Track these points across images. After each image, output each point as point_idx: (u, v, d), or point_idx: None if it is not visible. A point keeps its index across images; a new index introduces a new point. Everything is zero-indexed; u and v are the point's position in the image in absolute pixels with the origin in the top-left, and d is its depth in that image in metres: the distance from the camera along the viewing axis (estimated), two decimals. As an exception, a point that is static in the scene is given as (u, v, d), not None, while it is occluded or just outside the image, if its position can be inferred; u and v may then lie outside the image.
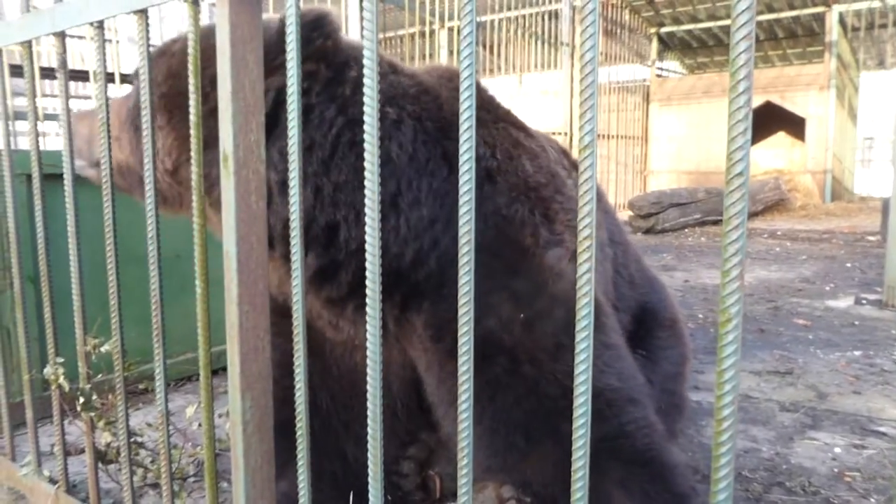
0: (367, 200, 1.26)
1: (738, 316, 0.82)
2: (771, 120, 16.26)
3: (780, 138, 17.60)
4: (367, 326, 1.29)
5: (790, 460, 2.61)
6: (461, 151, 1.10)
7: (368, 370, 1.30)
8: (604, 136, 15.21)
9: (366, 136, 1.24)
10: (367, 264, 1.26)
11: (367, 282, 1.26)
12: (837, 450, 2.70)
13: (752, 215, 13.27)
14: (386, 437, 1.46)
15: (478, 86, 1.65)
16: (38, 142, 2.07)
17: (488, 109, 2.01)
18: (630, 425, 1.75)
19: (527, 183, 1.90)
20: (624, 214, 11.79)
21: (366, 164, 1.25)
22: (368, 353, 1.29)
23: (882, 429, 2.90)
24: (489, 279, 1.67)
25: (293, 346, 1.43)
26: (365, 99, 1.24)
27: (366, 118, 1.24)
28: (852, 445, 2.74)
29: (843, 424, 2.97)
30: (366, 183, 1.25)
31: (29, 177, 2.54)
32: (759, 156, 17.32)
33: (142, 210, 1.75)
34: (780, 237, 10.53)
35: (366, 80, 1.23)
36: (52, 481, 2.24)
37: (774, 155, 17.46)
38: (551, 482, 1.72)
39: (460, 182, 1.10)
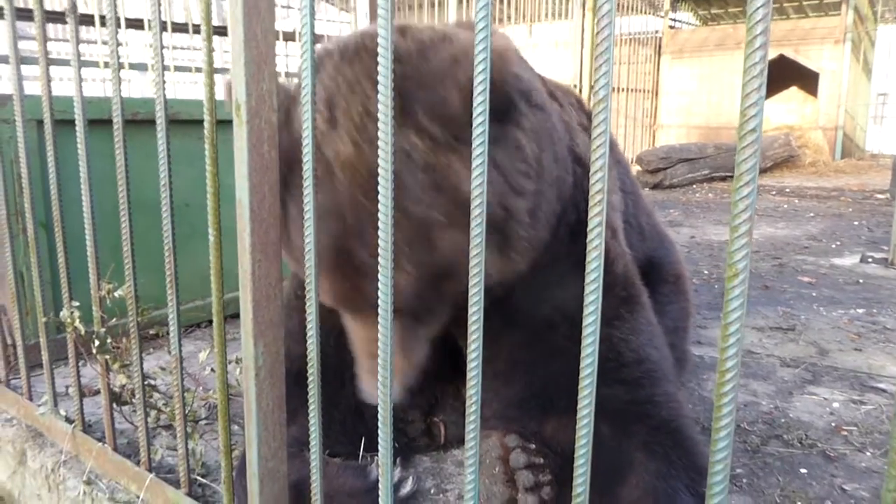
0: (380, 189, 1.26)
1: (746, 271, 0.83)
2: (784, 74, 15.97)
3: (793, 93, 17.33)
4: (379, 286, 1.31)
5: (789, 414, 2.65)
6: (475, 115, 1.10)
7: (380, 327, 1.32)
8: (614, 90, 14.98)
9: (380, 133, 1.24)
10: (380, 233, 1.27)
11: (380, 249, 1.28)
12: (836, 405, 2.74)
13: (761, 172, 13.15)
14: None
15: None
16: (49, 87, 2.07)
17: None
18: (661, 396, 1.85)
19: (577, 156, 1.94)
20: (633, 169, 11.71)
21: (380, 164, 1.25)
22: (380, 311, 1.31)
23: (881, 385, 2.94)
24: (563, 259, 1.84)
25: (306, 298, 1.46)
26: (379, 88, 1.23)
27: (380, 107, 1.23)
28: (851, 401, 2.78)
29: (843, 380, 3.01)
30: (380, 180, 1.25)
31: (40, 122, 2.55)
32: (770, 111, 17.06)
33: (150, 157, 1.76)
34: (789, 194, 10.47)
35: (380, 68, 1.22)
36: (69, 420, 2.30)
37: (786, 110, 17.21)
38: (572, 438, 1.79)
39: (474, 156, 1.11)
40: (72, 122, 1.99)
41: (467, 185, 1.53)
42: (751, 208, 0.85)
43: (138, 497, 2.00)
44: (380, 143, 1.21)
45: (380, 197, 1.22)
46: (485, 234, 1.15)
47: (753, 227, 0.84)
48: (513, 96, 1.60)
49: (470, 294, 1.15)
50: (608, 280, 1.91)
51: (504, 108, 1.57)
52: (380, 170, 1.21)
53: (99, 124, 2.65)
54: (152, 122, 1.78)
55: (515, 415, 1.92)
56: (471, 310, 1.16)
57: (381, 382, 1.31)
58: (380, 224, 1.23)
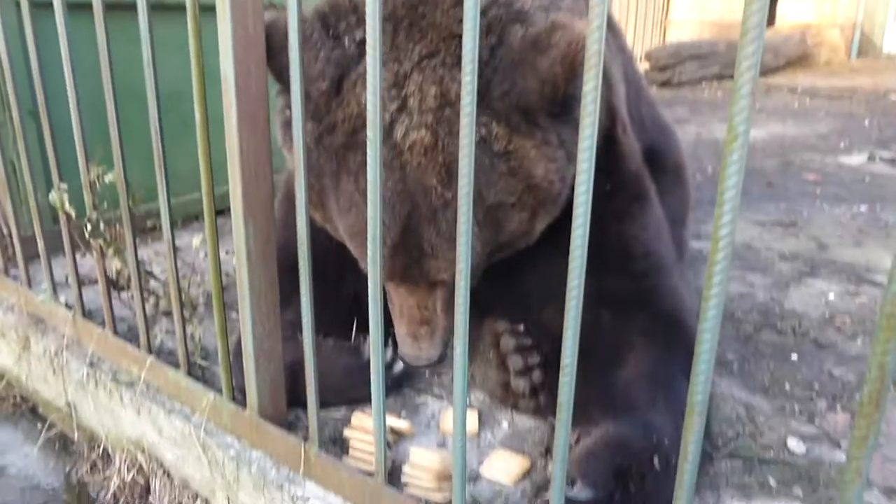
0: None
1: (745, 135, 0.80)
2: (804, -33, 15.24)
3: (812, -12, 16.59)
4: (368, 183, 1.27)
5: (784, 305, 2.67)
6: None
7: (368, 214, 1.30)
8: (625, -18, 14.36)
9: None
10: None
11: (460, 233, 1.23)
12: (831, 296, 2.76)
13: (774, 70, 12.79)
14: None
15: None
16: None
17: None
18: (665, 287, 1.88)
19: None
20: (641, 66, 11.38)
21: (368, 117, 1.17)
22: (368, 195, 1.28)
23: (878, 278, 2.95)
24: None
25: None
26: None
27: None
28: (846, 292, 2.80)
29: (840, 273, 3.02)
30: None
31: (18, 4, 2.43)
32: (786, 8, 16.39)
33: (138, 44, 1.69)
34: (800, 93, 10.20)
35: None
36: (69, 307, 2.33)
37: (803, 7, 16.53)
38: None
39: (464, 71, 1.04)
40: (51, 5, 1.89)
41: (539, 168, 1.55)
42: (755, 64, 0.80)
43: (140, 378, 2.05)
44: (462, 132, 1.15)
45: (460, 187, 1.17)
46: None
47: (756, 86, 0.80)
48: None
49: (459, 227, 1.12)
50: (621, 179, 1.91)
51: (575, 95, 1.52)
52: (461, 158, 1.15)
53: (84, 8, 2.54)
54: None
55: (519, 305, 1.94)
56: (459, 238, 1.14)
57: (370, 259, 1.30)
58: (460, 214, 1.19)
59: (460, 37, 1.46)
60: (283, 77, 1.56)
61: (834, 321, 2.53)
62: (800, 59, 13.44)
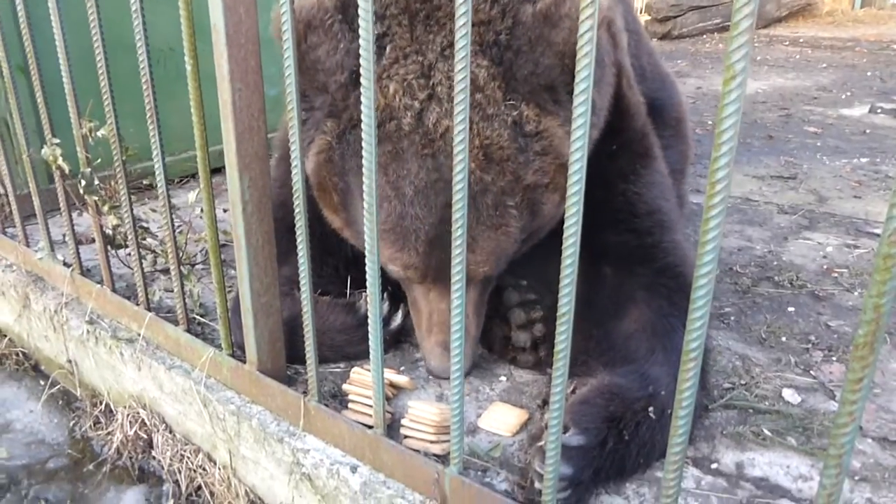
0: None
1: (744, 73, 0.78)
2: (809, -87, 14.86)
3: (817, -65, 16.20)
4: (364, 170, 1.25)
5: (782, 258, 2.67)
6: None
7: (365, 194, 1.28)
8: (625, -69, 13.97)
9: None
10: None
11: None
12: (829, 249, 2.76)
13: (775, 21, 12.57)
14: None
15: None
16: None
17: None
18: (668, 243, 1.87)
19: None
20: (641, 18, 11.17)
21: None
22: (364, 181, 1.26)
23: (876, 230, 2.95)
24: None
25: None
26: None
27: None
28: (845, 245, 2.79)
29: (839, 226, 3.01)
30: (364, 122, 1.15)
31: (2, -47, 2.37)
32: (791, -44, 16.04)
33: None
34: (802, 44, 10.05)
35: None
36: (67, 265, 2.33)
37: (808, -45, 16.18)
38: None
39: (457, 47, 1.01)
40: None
41: (566, 146, 1.49)
42: (752, 14, 0.78)
43: (139, 335, 2.05)
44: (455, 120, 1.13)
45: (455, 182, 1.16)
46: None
47: (752, 44, 0.78)
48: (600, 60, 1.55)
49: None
50: (628, 136, 1.89)
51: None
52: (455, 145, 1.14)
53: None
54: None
55: (523, 260, 1.94)
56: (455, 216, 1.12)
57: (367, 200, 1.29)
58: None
59: (479, 24, 1.44)
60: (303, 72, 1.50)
61: (831, 273, 2.53)
62: (802, 9, 13.19)
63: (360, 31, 1.18)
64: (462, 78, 1.07)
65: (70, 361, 2.36)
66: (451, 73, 1.45)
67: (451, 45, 1.46)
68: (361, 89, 1.21)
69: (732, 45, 0.76)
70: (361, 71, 1.20)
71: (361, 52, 1.19)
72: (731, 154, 0.80)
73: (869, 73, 7.46)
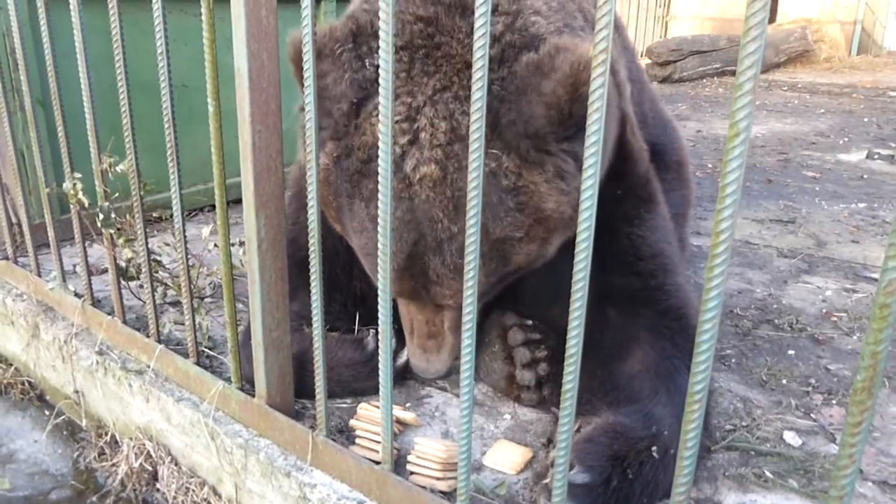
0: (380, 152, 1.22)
1: (747, 131, 0.83)
2: (806, -37, 15.24)
3: (814, -16, 16.58)
4: (380, 189, 1.30)
5: (781, 301, 2.71)
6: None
7: (379, 226, 1.33)
8: (626, -23, 14.32)
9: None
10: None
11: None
12: (829, 293, 2.80)
13: (774, 67, 12.81)
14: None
15: None
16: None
17: None
18: (671, 286, 1.90)
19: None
20: (642, 62, 11.38)
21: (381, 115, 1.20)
22: (380, 205, 1.31)
23: (875, 275, 2.99)
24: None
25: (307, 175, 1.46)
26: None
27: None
28: (843, 289, 2.84)
29: (838, 270, 3.06)
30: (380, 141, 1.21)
31: (31, -6, 2.46)
32: (788, 3, 16.40)
33: (145, 35, 1.71)
34: (800, 90, 10.23)
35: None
36: (78, 296, 2.36)
37: (805, 3, 16.53)
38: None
39: (474, 60, 1.07)
40: (63, -4, 1.92)
41: (549, 202, 1.53)
42: (757, 65, 0.83)
43: (149, 366, 2.08)
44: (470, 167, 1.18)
45: (468, 220, 1.20)
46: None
47: (755, 95, 0.83)
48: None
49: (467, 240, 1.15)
50: (631, 181, 1.94)
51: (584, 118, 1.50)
52: (469, 183, 1.18)
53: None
54: (147, -2, 1.71)
55: (528, 302, 1.98)
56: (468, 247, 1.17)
57: (381, 232, 1.34)
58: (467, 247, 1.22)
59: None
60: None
61: (830, 317, 2.57)
62: (800, 55, 13.46)
63: (381, 72, 1.22)
64: (477, 128, 1.12)
65: (77, 392, 2.38)
66: (436, 118, 1.48)
67: (444, 88, 1.49)
68: (380, 132, 1.26)
69: (736, 104, 0.81)
70: (381, 121, 1.25)
71: (381, 89, 1.23)
72: (734, 206, 0.84)
73: (866, 119, 7.59)
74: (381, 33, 1.21)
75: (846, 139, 6.43)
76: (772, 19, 15.57)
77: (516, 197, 1.51)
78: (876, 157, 5.51)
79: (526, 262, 1.65)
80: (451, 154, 1.47)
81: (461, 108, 1.47)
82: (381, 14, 1.20)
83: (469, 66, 1.46)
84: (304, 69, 1.38)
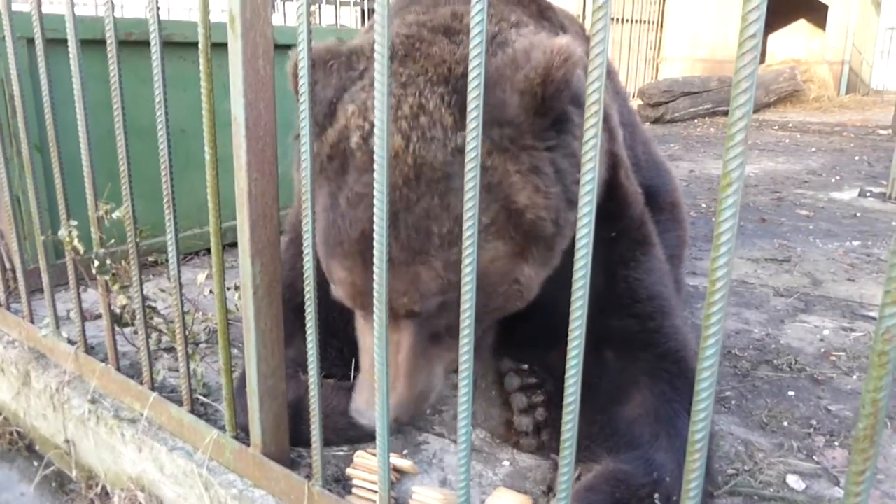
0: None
1: (740, 181, 0.83)
2: (792, 6, 15.60)
3: (801, 26, 16.96)
4: (375, 227, 1.30)
5: (779, 341, 2.70)
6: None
7: (375, 268, 1.32)
8: (617, 20, 14.63)
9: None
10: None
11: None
12: (826, 332, 2.79)
13: (765, 107, 13.00)
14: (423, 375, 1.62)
15: None
16: (39, 3, 2.01)
17: None
18: (669, 328, 1.90)
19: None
20: (633, 104, 11.55)
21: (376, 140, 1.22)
22: (375, 250, 1.30)
23: (871, 313, 2.99)
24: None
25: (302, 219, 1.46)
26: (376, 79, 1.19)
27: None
28: (841, 328, 2.83)
29: (835, 309, 3.05)
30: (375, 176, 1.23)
31: (30, 41, 2.49)
32: (777, 44, 16.76)
33: (143, 81, 1.74)
34: (791, 129, 10.37)
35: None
36: (71, 342, 2.34)
37: (793, 43, 16.89)
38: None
39: (469, 99, 1.09)
40: (63, 42, 1.94)
41: (522, 195, 1.48)
42: (747, 117, 0.84)
43: (142, 415, 2.05)
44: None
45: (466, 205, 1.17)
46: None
47: (749, 136, 0.84)
48: (566, 108, 1.51)
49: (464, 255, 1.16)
50: (626, 224, 1.96)
51: (562, 118, 1.51)
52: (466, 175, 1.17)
53: (91, 45, 2.60)
54: (146, 45, 1.74)
55: (526, 347, 1.97)
56: (464, 262, 1.17)
57: (378, 308, 1.33)
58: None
59: (448, 61, 1.50)
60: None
61: (829, 357, 2.55)
62: (790, 95, 13.68)
63: (376, 75, 1.22)
64: (475, 116, 1.12)
65: (68, 441, 2.34)
66: (405, 97, 1.47)
67: (417, 75, 1.50)
68: (375, 137, 1.25)
69: (728, 154, 0.82)
70: (376, 122, 1.25)
71: (376, 93, 1.24)
72: (730, 255, 0.84)
73: (857, 158, 7.67)
74: (376, 26, 1.20)
75: (838, 177, 6.49)
76: (761, 60, 15.82)
77: (483, 174, 1.39)
78: (868, 194, 5.56)
79: (498, 270, 1.53)
80: (416, 125, 1.44)
81: (430, 88, 1.47)
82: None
83: (444, 60, 1.50)
84: (300, 93, 1.38)
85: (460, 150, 1.42)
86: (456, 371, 1.88)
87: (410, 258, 1.45)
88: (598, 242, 1.61)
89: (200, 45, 1.51)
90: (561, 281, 1.81)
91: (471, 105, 1.10)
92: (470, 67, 1.09)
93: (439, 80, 1.49)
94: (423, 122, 1.44)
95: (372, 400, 1.53)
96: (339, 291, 1.61)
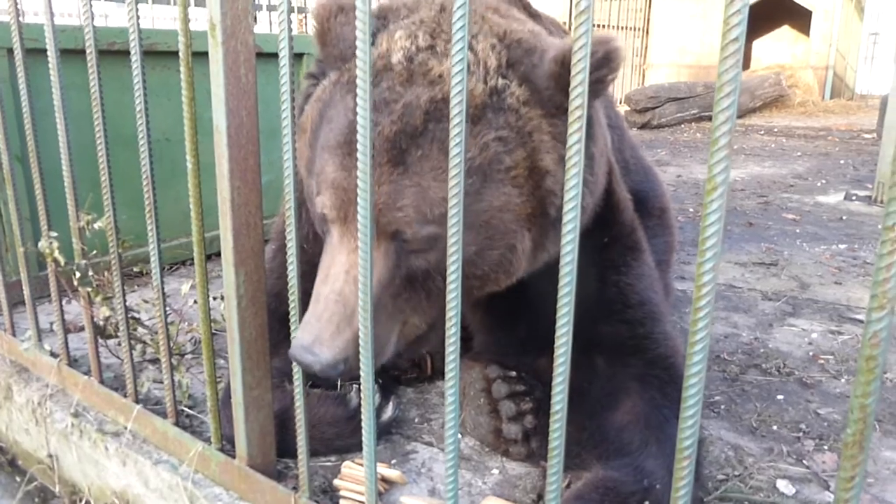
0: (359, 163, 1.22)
1: (725, 185, 0.83)
2: (776, 12, 15.73)
3: (785, 32, 17.10)
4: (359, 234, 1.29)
5: (768, 345, 2.70)
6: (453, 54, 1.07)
7: (360, 276, 1.31)
8: (602, 27, 14.70)
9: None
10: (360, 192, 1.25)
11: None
12: (814, 335, 2.79)
13: (750, 112, 13.09)
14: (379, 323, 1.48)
15: None
16: (18, 13, 1.99)
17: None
18: (659, 334, 1.89)
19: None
20: (620, 109, 11.60)
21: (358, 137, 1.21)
22: (360, 255, 1.29)
23: (859, 316, 2.99)
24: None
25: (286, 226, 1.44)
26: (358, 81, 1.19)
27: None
28: (829, 331, 2.83)
29: (823, 312, 3.06)
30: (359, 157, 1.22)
31: (10, 50, 2.46)
32: (761, 50, 16.89)
33: (129, 90, 1.71)
34: (777, 134, 10.44)
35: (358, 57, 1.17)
36: (54, 355, 2.31)
37: (777, 49, 17.03)
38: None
39: (452, 111, 1.08)
40: (44, 52, 1.92)
41: (548, 159, 1.50)
42: (731, 121, 0.83)
43: (126, 428, 2.02)
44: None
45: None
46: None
47: (733, 141, 0.83)
48: (593, 109, 1.58)
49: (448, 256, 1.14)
50: (617, 230, 1.96)
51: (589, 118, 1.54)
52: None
53: (74, 54, 2.57)
54: (129, 54, 1.71)
55: (515, 352, 1.95)
56: (449, 260, 1.16)
57: (363, 306, 1.31)
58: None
59: (503, 27, 1.58)
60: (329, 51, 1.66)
61: (817, 360, 2.56)
62: (775, 100, 13.79)
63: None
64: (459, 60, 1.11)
65: (51, 456, 2.30)
66: (422, 34, 1.54)
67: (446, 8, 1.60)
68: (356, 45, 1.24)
69: (713, 158, 0.81)
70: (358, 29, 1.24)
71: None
72: (716, 259, 0.84)
73: (842, 162, 7.73)
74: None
75: (824, 181, 6.53)
76: (745, 66, 16.00)
77: (514, 115, 1.48)
78: (854, 198, 5.59)
79: (501, 227, 1.51)
80: (437, 51, 1.52)
81: (485, 40, 1.53)
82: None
83: (500, 26, 1.57)
84: (283, 136, 1.37)
85: (498, 92, 1.47)
86: (442, 377, 1.87)
87: (427, 170, 1.43)
88: (592, 247, 1.61)
89: (181, 54, 1.50)
90: (550, 286, 1.81)
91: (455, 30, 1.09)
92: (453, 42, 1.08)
93: (492, 34, 1.54)
94: (470, 57, 1.47)
95: (326, 333, 1.41)
96: (325, 200, 1.52)
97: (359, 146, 1.19)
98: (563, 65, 1.43)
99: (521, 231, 1.55)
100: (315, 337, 1.43)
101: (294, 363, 1.49)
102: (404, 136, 1.43)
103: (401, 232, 1.46)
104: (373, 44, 1.56)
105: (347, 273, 1.47)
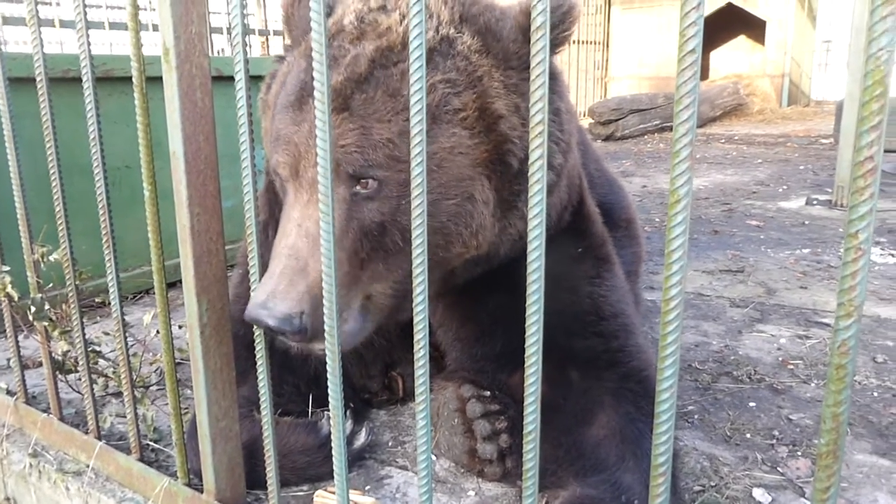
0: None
1: (688, 196, 0.82)
2: (732, 23, 16.08)
3: (741, 42, 17.48)
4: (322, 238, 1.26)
5: (738, 352, 2.72)
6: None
7: (325, 292, 1.28)
8: (565, 42, 14.85)
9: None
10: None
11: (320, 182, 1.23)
12: (783, 340, 2.82)
13: (711, 121, 13.33)
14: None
15: None
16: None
17: None
18: (632, 347, 1.89)
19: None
20: (584, 122, 11.74)
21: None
22: (324, 273, 1.26)
23: (825, 320, 3.03)
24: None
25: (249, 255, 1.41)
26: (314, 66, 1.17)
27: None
28: (797, 336, 2.86)
29: (790, 317, 3.10)
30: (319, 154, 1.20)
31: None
32: (718, 60, 17.23)
33: (85, 118, 1.67)
34: (737, 142, 10.64)
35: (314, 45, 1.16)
36: (11, 393, 2.22)
37: (734, 59, 17.39)
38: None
39: (412, 115, 1.06)
40: (-7, 79, 1.86)
41: (500, 103, 1.54)
42: (691, 132, 0.83)
43: (88, 466, 1.95)
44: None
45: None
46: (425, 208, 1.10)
47: (695, 152, 0.83)
48: (556, 66, 1.65)
49: (413, 254, 1.12)
50: (589, 242, 1.96)
51: (553, 73, 1.60)
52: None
53: (28, 82, 2.50)
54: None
55: (490, 369, 1.93)
56: (415, 262, 1.14)
57: (328, 316, 1.28)
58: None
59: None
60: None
61: (787, 365, 2.58)
62: (734, 108, 14.07)
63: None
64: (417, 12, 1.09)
65: (8, 499, 2.21)
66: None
67: None
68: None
69: (675, 171, 0.81)
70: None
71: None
72: (682, 271, 0.83)
73: (802, 167, 7.89)
74: None
75: (785, 187, 6.65)
76: (704, 76, 16.33)
77: (461, 60, 1.53)
78: (815, 202, 5.70)
79: (454, 172, 1.52)
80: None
81: (386, 1, 1.61)
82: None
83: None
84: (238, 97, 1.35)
85: (449, 41, 1.53)
86: (414, 398, 1.85)
87: (370, 112, 1.47)
88: (566, 260, 1.60)
89: (134, 80, 1.47)
90: (522, 300, 1.80)
91: None
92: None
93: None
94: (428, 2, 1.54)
95: (280, 286, 1.38)
96: (279, 158, 1.56)
97: (315, 93, 1.16)
98: (528, 14, 1.51)
99: (479, 178, 1.57)
100: (269, 292, 1.41)
101: (255, 327, 1.46)
102: (349, 84, 1.49)
103: (354, 174, 1.48)
104: (329, 14, 1.63)
105: (300, 227, 1.49)
